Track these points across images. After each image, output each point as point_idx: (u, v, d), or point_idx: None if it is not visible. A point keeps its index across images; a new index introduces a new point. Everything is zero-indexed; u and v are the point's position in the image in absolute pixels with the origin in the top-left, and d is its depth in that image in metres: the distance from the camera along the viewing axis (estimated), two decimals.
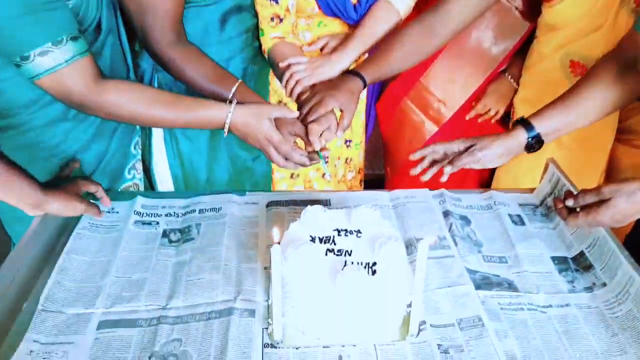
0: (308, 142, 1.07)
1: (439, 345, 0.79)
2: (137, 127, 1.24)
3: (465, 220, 1.07)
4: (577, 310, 0.86)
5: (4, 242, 1.18)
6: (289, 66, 1.20)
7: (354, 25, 1.31)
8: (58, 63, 0.89)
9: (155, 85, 1.24)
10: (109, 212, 1.05)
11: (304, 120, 1.09)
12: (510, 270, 0.95)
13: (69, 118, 1.05)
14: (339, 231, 0.87)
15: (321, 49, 1.32)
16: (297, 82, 1.18)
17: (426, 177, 1.06)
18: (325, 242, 0.85)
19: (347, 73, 1.19)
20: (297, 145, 1.09)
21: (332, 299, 0.77)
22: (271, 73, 1.40)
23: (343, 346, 0.79)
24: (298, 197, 1.11)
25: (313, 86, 1.18)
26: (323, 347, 0.79)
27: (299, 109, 1.11)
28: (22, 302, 0.84)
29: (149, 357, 0.77)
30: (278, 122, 1.06)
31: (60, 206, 0.94)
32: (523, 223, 1.06)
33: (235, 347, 0.79)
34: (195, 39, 1.15)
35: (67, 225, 1.00)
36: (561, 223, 1.01)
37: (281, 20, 1.24)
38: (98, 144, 1.11)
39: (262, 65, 1.36)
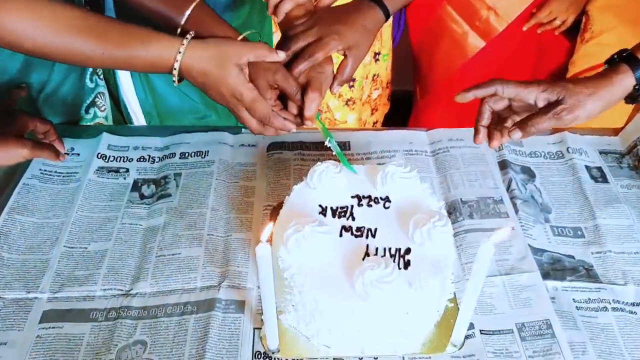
0: (293, 100, 0.71)
1: None
2: None
3: (529, 173, 0.82)
4: None
5: None
6: None
7: None
8: None
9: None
10: (67, 154, 0.82)
11: (290, 65, 0.72)
12: (588, 250, 0.72)
13: None
14: (359, 198, 0.66)
15: None
16: None
17: (480, 138, 0.69)
18: (340, 216, 0.64)
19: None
20: (279, 103, 0.73)
21: (349, 299, 0.56)
22: None
23: (361, 359, 0.61)
24: (308, 139, 0.87)
25: (313, 11, 0.79)
26: (334, 359, 0.61)
27: (286, 42, 0.74)
28: None
29: None
30: (253, 68, 0.70)
31: None
32: (605, 180, 0.81)
33: (216, 357, 0.59)
34: None
35: (13, 175, 0.80)
36: None
37: None
38: (35, 74, 0.84)
39: None
